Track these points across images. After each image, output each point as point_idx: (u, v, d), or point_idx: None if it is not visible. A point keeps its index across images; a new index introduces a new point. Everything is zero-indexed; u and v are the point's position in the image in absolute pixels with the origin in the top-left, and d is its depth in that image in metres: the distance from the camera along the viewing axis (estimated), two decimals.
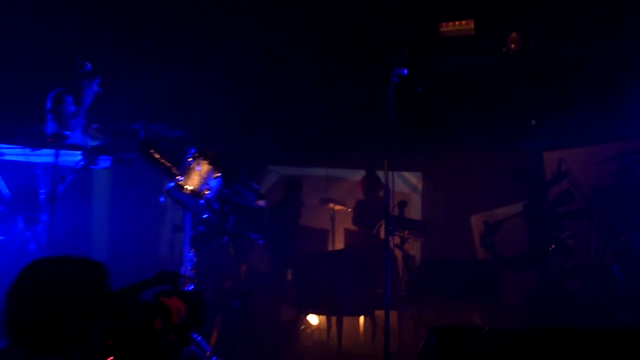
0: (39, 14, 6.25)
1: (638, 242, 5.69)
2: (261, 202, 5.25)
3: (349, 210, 7.87)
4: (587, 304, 6.09)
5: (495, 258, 6.64)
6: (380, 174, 7.02)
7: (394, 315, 5.23)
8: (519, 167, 6.92)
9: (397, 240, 6.40)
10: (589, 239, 6.07)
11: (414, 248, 7.57)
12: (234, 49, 7.21)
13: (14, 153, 5.24)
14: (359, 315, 6.83)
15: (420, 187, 9.76)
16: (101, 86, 5.65)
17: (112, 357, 1.94)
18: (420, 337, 5.78)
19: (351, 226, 7.80)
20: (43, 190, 5.39)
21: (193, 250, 4.46)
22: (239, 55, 7.29)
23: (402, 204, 6.98)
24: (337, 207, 8.00)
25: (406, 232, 6.63)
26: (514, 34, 7.00)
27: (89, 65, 5.48)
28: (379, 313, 6.33)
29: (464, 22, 6.89)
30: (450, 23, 6.90)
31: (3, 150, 5.20)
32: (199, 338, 4.24)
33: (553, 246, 6.10)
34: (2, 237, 5.26)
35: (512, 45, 7.00)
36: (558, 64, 7.24)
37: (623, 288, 5.68)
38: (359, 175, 7.90)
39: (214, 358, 4.26)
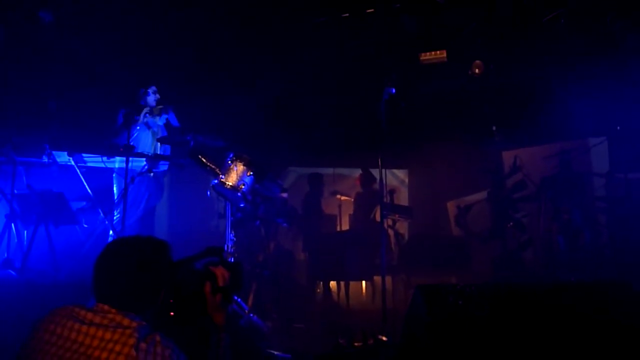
0: (114, 51, 6.31)
1: (577, 218, 5.67)
2: (284, 195, 5.26)
3: (352, 200, 7.87)
4: (538, 267, 6.07)
5: (466, 233, 6.62)
6: (375, 171, 7.04)
7: (388, 279, 5.24)
8: (483, 163, 6.89)
9: (389, 222, 6.39)
10: (538, 217, 6.06)
11: (403, 227, 7.55)
12: (260, 79, 7.25)
13: (94, 161, 5.27)
14: (362, 280, 6.82)
15: (406, 180, 9.73)
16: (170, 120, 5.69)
17: (172, 313, 1.95)
18: (409, 296, 5.76)
19: (354, 212, 7.79)
20: (116, 189, 5.42)
21: (233, 232, 4.45)
22: (265, 84, 7.33)
23: (392, 193, 6.96)
24: (343, 198, 7.98)
25: (396, 215, 6.61)
26: (477, 62, 6.96)
27: (149, 91, 5.52)
28: (377, 278, 6.32)
29: (439, 52, 6.86)
30: (428, 53, 6.87)
31: (86, 159, 5.23)
32: (239, 299, 4.26)
33: (511, 224, 6.07)
34: (87, 226, 5.31)
35: (477, 70, 6.96)
36: (512, 83, 7.20)
37: (565, 254, 5.66)
38: (358, 172, 7.88)
39: (251, 315, 4.26)
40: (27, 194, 4.80)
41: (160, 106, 5.42)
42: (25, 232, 5.01)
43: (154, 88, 5.50)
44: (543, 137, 7.22)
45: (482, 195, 6.96)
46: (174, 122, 5.56)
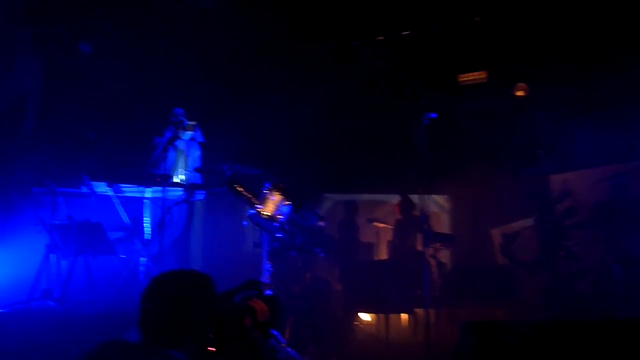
0: (152, 79, 6.54)
1: (635, 246, 5.45)
2: (321, 223, 5.27)
3: (390, 227, 7.80)
4: (593, 300, 5.83)
5: (513, 263, 6.44)
6: (414, 197, 6.98)
7: (431, 312, 5.12)
8: (528, 188, 6.73)
9: (430, 250, 6.30)
10: (592, 246, 5.87)
11: (445, 257, 7.43)
12: (294, 104, 7.37)
13: (131, 190, 5.42)
14: (402, 313, 6.70)
15: (447, 206, 9.60)
16: (195, 137, 5.87)
17: (213, 348, 1.97)
18: (453, 330, 5.64)
19: (392, 240, 7.72)
20: (149, 219, 5.55)
21: (269, 262, 4.48)
22: (300, 109, 7.44)
23: (432, 220, 6.87)
24: (381, 225, 7.92)
25: (437, 243, 6.52)
26: (521, 84, 6.87)
27: (186, 121, 5.69)
28: (419, 311, 6.22)
29: (478, 72, 6.83)
30: (467, 74, 6.85)
31: (124, 189, 5.38)
32: (276, 333, 4.25)
33: (562, 253, 5.89)
34: (124, 256, 5.43)
35: (519, 93, 6.88)
36: (558, 102, 7.07)
37: (623, 286, 5.44)
38: (396, 199, 7.83)
39: (288, 349, 4.24)
40: (67, 224, 4.95)
41: (186, 124, 5.60)
42: (64, 262, 5.16)
43: (180, 110, 5.70)
44: (594, 160, 7.01)
45: (528, 222, 6.78)
46: (199, 137, 5.73)
